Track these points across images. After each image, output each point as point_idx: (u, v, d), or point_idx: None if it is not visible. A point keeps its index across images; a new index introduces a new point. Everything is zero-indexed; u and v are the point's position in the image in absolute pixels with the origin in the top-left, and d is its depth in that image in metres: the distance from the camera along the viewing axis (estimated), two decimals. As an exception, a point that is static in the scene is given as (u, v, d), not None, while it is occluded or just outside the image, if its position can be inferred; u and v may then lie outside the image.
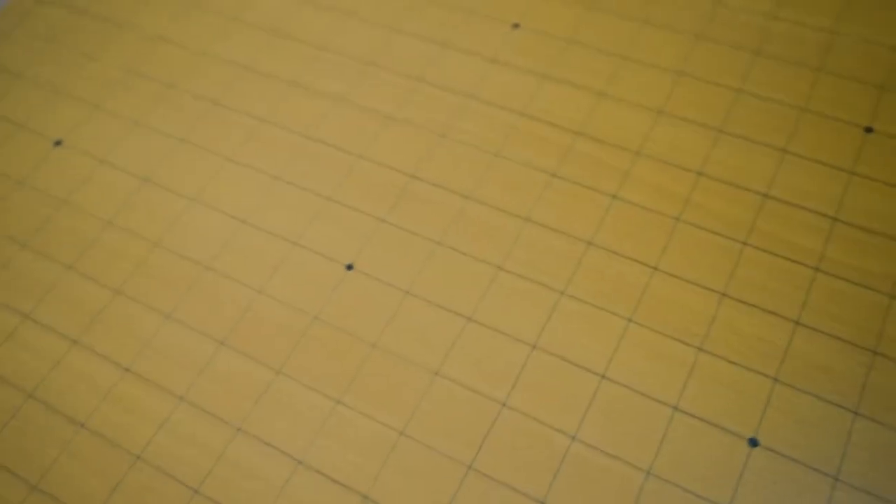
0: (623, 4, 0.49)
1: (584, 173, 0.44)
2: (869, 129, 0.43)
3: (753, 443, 0.36)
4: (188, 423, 0.38)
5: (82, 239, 0.44)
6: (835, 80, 0.45)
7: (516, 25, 0.50)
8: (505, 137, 0.46)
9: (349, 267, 0.41)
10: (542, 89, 0.47)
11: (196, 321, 0.41)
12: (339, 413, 0.38)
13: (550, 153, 0.45)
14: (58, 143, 0.48)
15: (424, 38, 0.50)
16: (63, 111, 0.50)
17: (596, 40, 0.49)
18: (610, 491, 0.35)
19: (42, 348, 0.41)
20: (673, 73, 0.47)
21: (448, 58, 0.49)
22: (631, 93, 0.46)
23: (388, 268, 0.41)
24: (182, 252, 0.43)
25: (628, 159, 0.44)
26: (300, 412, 0.38)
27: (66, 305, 0.42)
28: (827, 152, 0.43)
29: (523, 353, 0.38)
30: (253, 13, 0.51)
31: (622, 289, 0.40)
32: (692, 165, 0.43)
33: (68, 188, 0.46)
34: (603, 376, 0.38)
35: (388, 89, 0.48)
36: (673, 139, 0.44)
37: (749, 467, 0.35)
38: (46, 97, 0.51)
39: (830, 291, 0.39)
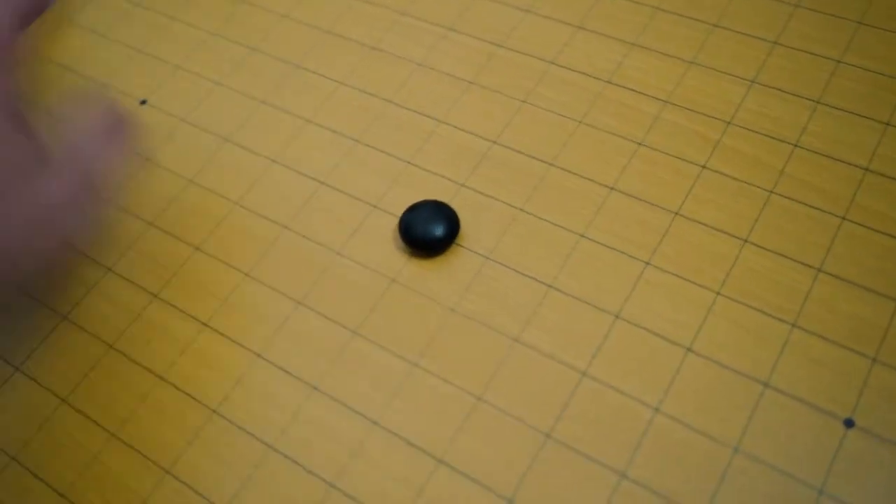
0: (715, -27, 0.48)
1: (671, 142, 0.42)
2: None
3: (849, 423, 0.34)
4: (264, 381, 0.38)
5: (163, 196, 0.44)
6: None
7: (602, -6, 0.49)
8: (589, 105, 0.44)
9: (427, 232, 0.40)
10: (628, 57, 0.46)
11: (273, 280, 0.41)
12: (415, 376, 0.37)
13: (637, 121, 0.43)
14: (143, 102, 0.49)
15: (506, 3, 0.49)
16: (147, 71, 0.50)
17: (685, 8, 0.47)
18: (694, 465, 0.34)
19: (123, 301, 0.41)
20: (767, 43, 0.45)
21: (530, 23, 0.48)
22: (722, 61, 0.45)
23: (467, 234, 0.41)
24: (261, 212, 0.43)
25: (719, 129, 0.42)
26: (376, 374, 0.37)
27: (147, 261, 0.42)
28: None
29: (606, 323, 0.37)
30: (335, -22, 0.51)
31: (711, 260, 0.38)
32: (787, 136, 0.42)
33: (151, 147, 0.47)
34: (689, 349, 0.36)
35: (468, 55, 0.47)
36: (766, 109, 0.43)
37: (844, 448, 0.33)
38: (131, 57, 0.51)
39: (933, 271, 0.37)
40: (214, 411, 0.37)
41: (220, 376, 0.38)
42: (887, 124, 0.41)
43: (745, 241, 0.39)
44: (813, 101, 0.43)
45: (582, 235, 0.40)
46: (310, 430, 0.36)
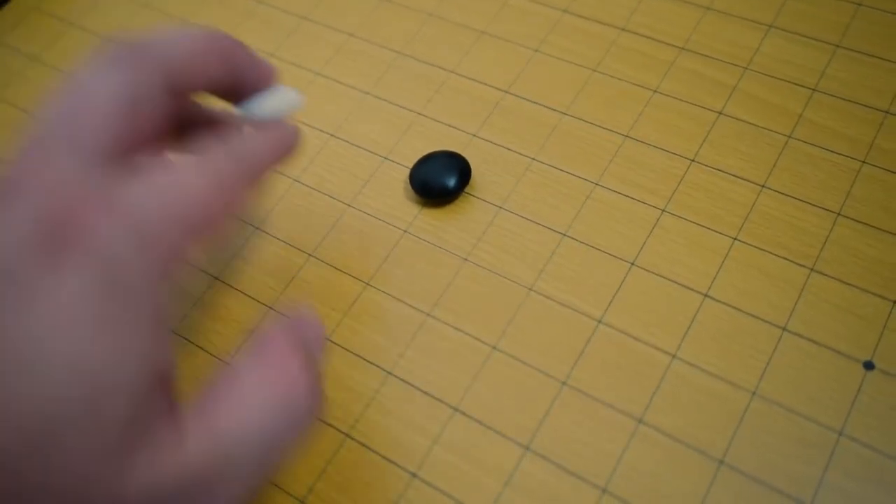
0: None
1: (687, 89, 0.42)
2: None
3: (869, 366, 0.33)
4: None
5: (172, 151, 0.44)
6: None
7: (615, -58, 0.48)
8: (604, 52, 0.44)
9: (439, 184, 0.40)
10: (643, 3, 0.45)
11: (285, 233, 0.40)
12: (429, 325, 0.37)
13: (652, 69, 0.43)
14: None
15: (519, -47, 0.48)
16: (152, 23, 0.50)
17: (702, -47, 0.46)
18: (712, 410, 0.33)
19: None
20: (782, -9, 0.44)
21: (543, -27, 0.47)
22: (739, 5, 0.44)
23: (480, 184, 0.40)
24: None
25: (736, 75, 0.42)
26: (390, 324, 0.37)
27: (157, 216, 0.42)
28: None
29: (621, 271, 0.37)
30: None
31: (727, 206, 0.38)
32: (806, 81, 0.41)
33: (158, 102, 0.46)
34: (706, 295, 0.36)
35: (480, 3, 0.47)
36: (784, 54, 0.42)
37: (864, 391, 0.33)
38: (135, 10, 0.51)
39: (956, 214, 0.36)
40: (227, 364, 0.37)
41: (231, 329, 0.38)
42: (908, 67, 0.40)
43: (763, 186, 0.38)
44: (832, 44, 0.42)
45: (596, 184, 0.39)
46: (325, 382, 0.36)
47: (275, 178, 0.42)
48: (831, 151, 0.38)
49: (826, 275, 0.35)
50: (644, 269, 0.37)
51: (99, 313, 0.22)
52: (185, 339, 0.38)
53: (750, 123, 0.40)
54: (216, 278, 0.39)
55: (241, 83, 0.30)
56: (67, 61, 0.49)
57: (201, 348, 0.38)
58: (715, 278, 0.36)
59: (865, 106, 0.39)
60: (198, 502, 0.24)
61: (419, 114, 0.43)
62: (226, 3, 0.50)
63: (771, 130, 0.40)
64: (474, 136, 0.42)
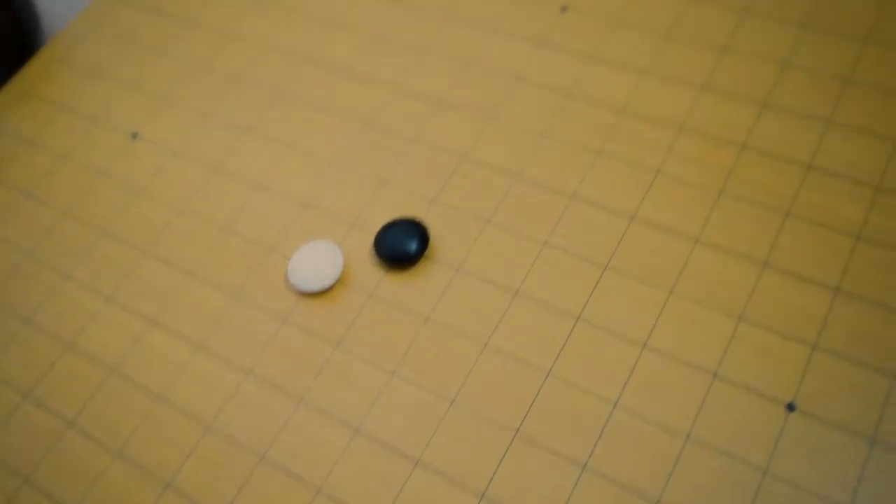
0: (669, -18, 0.50)
1: (628, 149, 0.45)
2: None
3: (791, 408, 0.36)
4: (254, 395, 0.41)
5: (157, 225, 0.48)
6: (881, 50, 0.45)
7: (564, 9, 0.51)
8: (552, 117, 0.47)
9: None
10: (588, 70, 0.48)
11: (262, 299, 0.44)
12: (393, 384, 0.40)
13: (596, 131, 0.46)
14: (135, 135, 0.52)
15: (474, 24, 0.52)
16: (138, 105, 0.53)
17: (640, 20, 0.49)
18: (651, 453, 0.36)
19: (122, 327, 0.44)
20: (717, 50, 0.47)
21: (497, 43, 0.51)
22: (675, 69, 0.47)
23: (439, 246, 0.43)
24: (249, 236, 0.46)
25: (672, 134, 0.45)
26: (357, 383, 0.40)
27: (143, 287, 0.45)
28: (872, 121, 0.43)
29: (568, 325, 0.40)
30: (312, 7, 0.54)
31: (664, 261, 0.41)
32: (736, 138, 0.44)
33: (144, 178, 0.50)
34: (645, 345, 0.39)
35: (439, 75, 0.50)
36: (716, 114, 0.45)
37: (786, 431, 0.36)
38: (123, 92, 0.54)
39: (872, 259, 0.39)
40: (209, 427, 0.41)
41: (213, 393, 0.41)
42: (829, 121, 0.43)
43: (697, 240, 0.41)
44: (760, 103, 0.45)
45: (545, 243, 0.43)
46: (298, 439, 0.39)
47: (253, 250, 0.45)
48: (759, 205, 0.42)
49: (752, 322, 0.39)
50: (588, 323, 0.40)
51: None
52: (173, 403, 0.41)
53: (685, 180, 0.43)
54: (199, 346, 0.43)
55: None
56: (60, 143, 0.53)
57: (181, 409, 0.41)
58: (653, 329, 0.39)
59: (790, 161, 0.43)
60: None
61: (383, 181, 0.47)
62: (204, 81, 0.53)
63: (704, 186, 0.43)
64: (433, 201, 0.45)
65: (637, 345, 0.39)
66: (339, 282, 0.43)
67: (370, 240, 0.44)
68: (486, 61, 0.50)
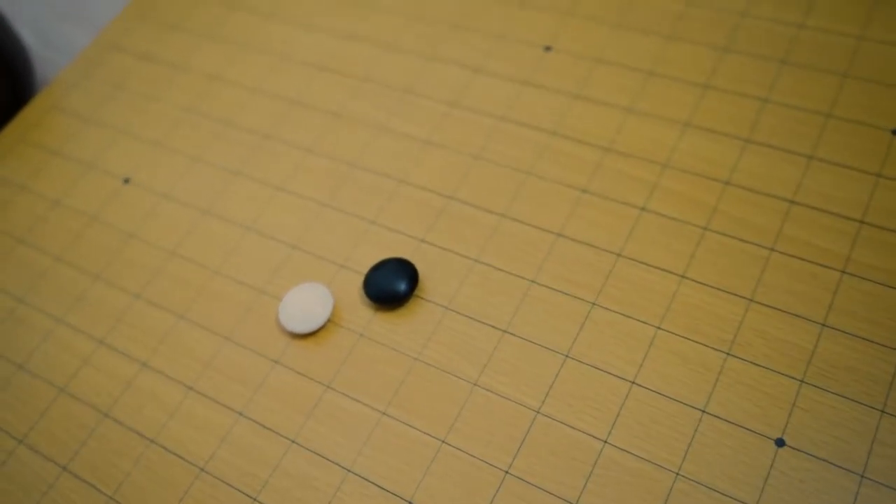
0: (649, 21, 0.51)
1: (613, 187, 0.46)
2: (897, 131, 0.44)
3: (780, 443, 0.37)
4: (247, 437, 0.41)
5: (148, 269, 0.48)
6: (861, 84, 0.46)
7: (548, 48, 0.52)
8: (537, 156, 0.48)
9: (393, 286, 0.44)
10: (572, 108, 0.49)
11: (252, 343, 0.44)
12: (383, 424, 0.40)
13: (580, 170, 0.47)
14: (126, 180, 0.52)
15: (459, 63, 0.53)
16: (129, 151, 0.54)
17: (623, 58, 0.50)
18: (640, 491, 0.36)
19: (114, 371, 0.45)
20: (699, 87, 0.48)
21: (480, 82, 0.51)
22: (657, 107, 0.48)
23: (428, 286, 0.44)
24: (239, 278, 0.46)
25: (656, 172, 0.46)
26: (348, 424, 0.40)
27: (136, 331, 0.46)
28: (853, 156, 0.44)
29: (556, 363, 0.40)
30: (300, 51, 0.55)
31: (651, 297, 0.41)
32: (719, 175, 0.45)
33: (135, 223, 0.50)
34: (633, 382, 0.39)
35: (425, 115, 0.51)
36: (700, 150, 0.46)
37: (776, 467, 0.36)
38: (114, 138, 0.55)
39: (857, 293, 0.40)
40: (202, 469, 0.41)
41: (206, 436, 0.42)
42: (810, 157, 0.44)
43: (683, 276, 0.42)
44: (742, 139, 0.46)
45: (532, 281, 0.43)
46: (290, 482, 0.39)
47: (243, 293, 0.46)
48: (743, 240, 0.42)
49: (740, 358, 0.39)
50: (577, 360, 0.40)
51: None
52: (164, 447, 0.42)
53: (670, 217, 0.44)
54: (190, 388, 0.43)
55: None
56: (53, 188, 0.53)
57: (173, 452, 0.41)
58: (641, 366, 0.40)
59: (773, 196, 0.43)
60: None
61: (372, 222, 0.47)
62: (193, 126, 0.54)
63: (689, 223, 0.43)
64: (422, 241, 0.46)
65: (626, 381, 0.39)
66: (330, 322, 0.44)
67: (360, 280, 0.45)
68: (470, 101, 0.51)
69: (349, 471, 0.39)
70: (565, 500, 0.37)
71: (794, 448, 0.36)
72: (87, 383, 0.44)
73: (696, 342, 0.40)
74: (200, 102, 0.55)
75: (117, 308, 0.47)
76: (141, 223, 0.50)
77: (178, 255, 0.48)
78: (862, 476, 0.35)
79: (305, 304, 0.43)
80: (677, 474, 0.36)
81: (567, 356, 0.40)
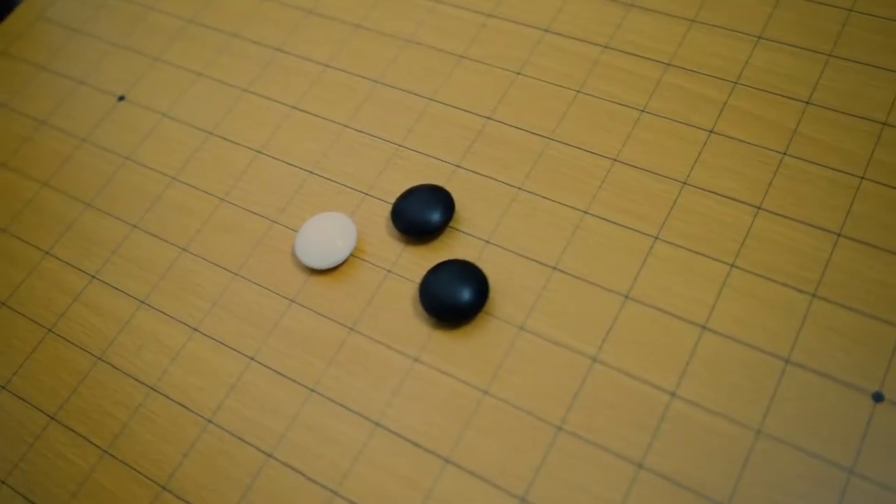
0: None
1: (675, 107, 0.40)
2: None
3: (878, 397, 0.32)
4: (259, 385, 0.36)
5: (147, 196, 0.43)
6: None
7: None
8: (587, 73, 0.42)
9: (423, 217, 0.38)
10: (626, 19, 0.43)
11: (265, 279, 0.39)
12: (415, 372, 0.35)
13: (638, 87, 0.41)
14: (121, 98, 0.47)
15: (496, -29, 0.47)
16: (124, 65, 0.48)
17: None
18: (716, 451, 0.32)
19: (109, 309, 0.40)
20: (770, -2, 0.42)
21: (522, -9, 0.46)
22: (725, 18, 0.42)
23: (464, 218, 0.38)
24: (249, 207, 0.41)
25: (725, 90, 0.40)
26: (375, 371, 0.35)
27: (133, 265, 0.40)
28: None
29: (615, 305, 0.35)
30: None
31: (723, 231, 0.36)
32: (799, 94, 0.39)
33: (132, 145, 0.45)
34: (704, 327, 0.34)
35: (457, 26, 0.45)
36: (776, 66, 0.40)
37: (873, 424, 0.31)
38: (107, 51, 0.49)
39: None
40: (210, 421, 0.36)
41: (213, 383, 0.37)
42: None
43: (759, 208, 0.36)
44: (824, 54, 0.40)
45: (585, 212, 0.38)
46: (309, 435, 0.35)
47: (253, 224, 0.40)
48: (828, 168, 0.37)
49: (828, 300, 0.34)
50: (638, 302, 0.35)
51: None
52: (167, 395, 0.37)
53: (742, 141, 0.38)
54: (195, 329, 0.38)
55: None
56: (39, 107, 0.48)
57: (176, 402, 0.36)
58: (713, 309, 0.35)
59: (862, 118, 0.38)
60: None
61: (399, 145, 0.42)
62: (196, 38, 0.48)
63: (764, 148, 0.38)
64: (457, 167, 0.40)
65: (696, 325, 0.34)
66: (354, 256, 0.38)
67: (387, 210, 0.40)
68: (509, 10, 0.45)
69: (377, 424, 0.34)
70: (628, 460, 0.32)
71: (894, 403, 0.31)
72: (78, 323, 0.39)
73: (777, 282, 0.34)
74: (204, 11, 0.49)
75: (112, 239, 0.42)
76: (138, 145, 0.45)
77: (179, 180, 0.43)
78: (978, 437, 0.30)
79: (325, 236, 0.38)
80: (758, 431, 0.32)
81: (627, 297, 0.35)
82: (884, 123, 0.37)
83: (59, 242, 0.42)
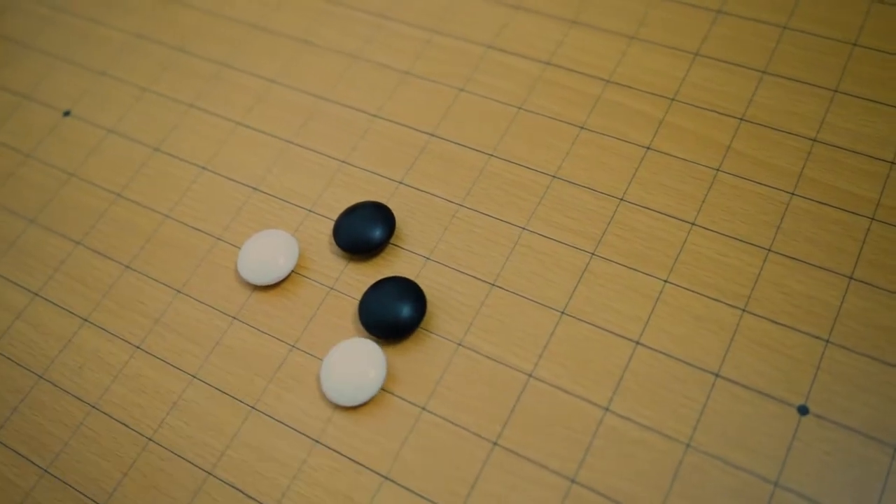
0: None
1: (615, 124, 0.41)
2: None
3: (803, 410, 0.33)
4: (201, 403, 0.36)
5: (91, 213, 0.43)
6: (889, 9, 0.41)
7: (540, -31, 0.47)
8: (529, 89, 0.43)
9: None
10: (568, 36, 0.44)
11: (208, 296, 0.39)
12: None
13: (578, 104, 0.42)
14: (67, 113, 0.47)
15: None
16: (70, 80, 0.48)
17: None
18: (646, 464, 0.32)
19: (51, 327, 0.39)
20: (711, 12, 0.43)
21: (465, 6, 0.46)
22: (664, 35, 0.43)
23: (406, 234, 0.39)
24: (193, 223, 0.41)
25: (662, 106, 0.41)
26: (317, 389, 0.36)
27: (76, 283, 0.40)
28: (882, 90, 0.39)
29: (552, 320, 0.36)
30: (262, -30, 0.49)
31: (657, 247, 0.37)
32: (733, 111, 0.40)
33: (76, 161, 0.45)
34: (637, 342, 0.35)
35: (402, 43, 0.45)
36: (711, 83, 0.41)
37: (799, 437, 0.32)
38: (53, 65, 0.49)
39: (888, 242, 0.35)
40: (150, 439, 0.36)
41: (154, 401, 0.37)
42: (835, 91, 0.39)
43: (693, 224, 0.37)
44: (759, 71, 0.41)
45: (524, 228, 0.38)
46: (250, 453, 0.35)
47: (197, 240, 0.41)
48: (760, 184, 0.38)
49: (757, 315, 0.35)
50: (574, 318, 0.36)
51: None
52: (108, 414, 0.37)
53: (678, 157, 0.39)
54: (137, 347, 0.38)
55: None
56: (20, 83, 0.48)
57: (117, 420, 0.36)
58: (646, 324, 0.35)
59: (793, 134, 0.39)
60: None
61: (343, 162, 0.42)
62: (142, 53, 0.48)
63: (699, 164, 0.39)
64: (400, 183, 0.41)
65: (630, 341, 0.35)
66: (296, 273, 0.39)
67: (329, 226, 0.40)
68: (454, 27, 0.45)
69: (317, 441, 0.35)
70: (561, 475, 0.32)
71: (818, 416, 0.32)
72: (19, 341, 0.39)
73: (709, 297, 0.35)
74: (151, 27, 0.49)
75: (55, 256, 0.42)
76: (83, 161, 0.45)
77: (124, 197, 0.43)
78: (897, 449, 0.31)
79: (267, 253, 0.38)
80: (688, 445, 0.32)
81: (563, 313, 0.36)
82: (814, 140, 0.38)
83: (1, 260, 0.42)
